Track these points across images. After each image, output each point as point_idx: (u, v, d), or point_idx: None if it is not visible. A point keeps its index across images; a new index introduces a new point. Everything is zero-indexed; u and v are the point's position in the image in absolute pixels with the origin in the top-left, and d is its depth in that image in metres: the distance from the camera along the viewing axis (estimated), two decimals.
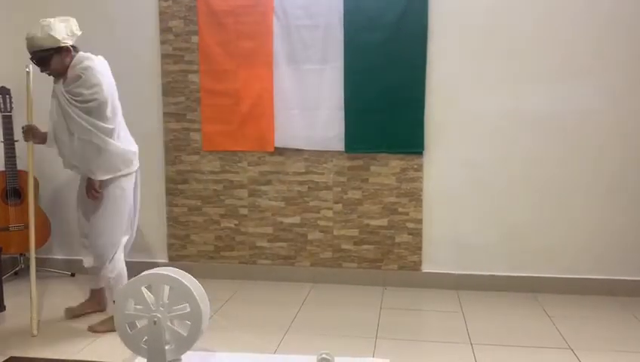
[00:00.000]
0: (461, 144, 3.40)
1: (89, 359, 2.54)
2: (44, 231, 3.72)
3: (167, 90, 3.62)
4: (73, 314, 3.00)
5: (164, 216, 3.72)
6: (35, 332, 2.80)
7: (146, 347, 2.25)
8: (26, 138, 2.86)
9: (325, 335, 2.80)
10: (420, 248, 3.50)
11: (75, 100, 2.66)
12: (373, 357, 2.55)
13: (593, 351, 2.59)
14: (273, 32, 3.43)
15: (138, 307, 2.27)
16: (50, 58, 2.63)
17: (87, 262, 2.96)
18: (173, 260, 3.70)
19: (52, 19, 2.66)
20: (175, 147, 3.66)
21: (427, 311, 3.20)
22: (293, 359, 2.48)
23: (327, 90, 3.42)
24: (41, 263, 3.81)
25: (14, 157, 3.57)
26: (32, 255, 2.91)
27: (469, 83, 3.36)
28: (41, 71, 2.70)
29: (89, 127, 2.66)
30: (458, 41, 3.34)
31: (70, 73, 2.69)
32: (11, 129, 3.57)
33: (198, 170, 3.66)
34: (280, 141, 3.52)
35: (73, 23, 2.73)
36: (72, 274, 3.77)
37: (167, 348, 2.24)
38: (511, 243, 3.42)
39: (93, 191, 2.77)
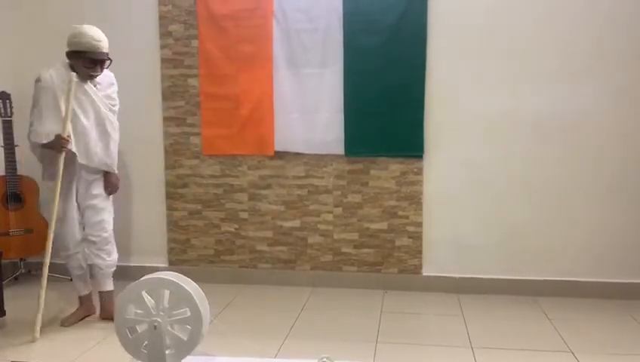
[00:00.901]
0: (461, 146, 3.42)
1: None
2: (44, 236, 3.74)
3: (167, 95, 3.65)
4: (68, 324, 3.04)
5: (164, 220, 3.75)
6: (37, 335, 2.82)
7: (146, 351, 2.26)
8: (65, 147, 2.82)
9: (325, 339, 2.82)
10: (420, 251, 3.52)
11: (112, 105, 2.99)
12: (374, 361, 2.56)
13: (593, 354, 2.60)
14: (273, 36, 3.45)
15: (138, 311, 2.28)
16: (106, 61, 2.89)
17: (85, 261, 3.05)
18: (174, 264, 3.72)
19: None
20: (175, 151, 3.69)
21: (427, 314, 3.21)
22: None
23: (327, 93, 3.44)
24: (40, 268, 3.84)
25: (14, 161, 3.60)
26: (48, 255, 2.95)
27: (469, 84, 3.38)
28: (92, 73, 2.85)
29: (117, 128, 3.03)
30: (457, 42, 3.36)
31: (100, 79, 2.94)
32: (11, 134, 3.60)
33: (198, 174, 3.68)
34: (280, 145, 3.54)
35: None
36: (72, 279, 3.78)
37: (167, 352, 2.25)
38: (511, 246, 3.43)
39: (117, 184, 3.07)
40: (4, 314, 3.08)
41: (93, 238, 2.99)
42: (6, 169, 3.61)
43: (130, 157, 3.74)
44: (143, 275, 2.37)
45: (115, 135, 3.00)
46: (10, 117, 3.61)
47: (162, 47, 3.61)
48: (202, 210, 3.70)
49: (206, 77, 3.56)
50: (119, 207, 3.76)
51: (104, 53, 2.85)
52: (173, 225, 3.74)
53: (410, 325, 3.02)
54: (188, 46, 3.58)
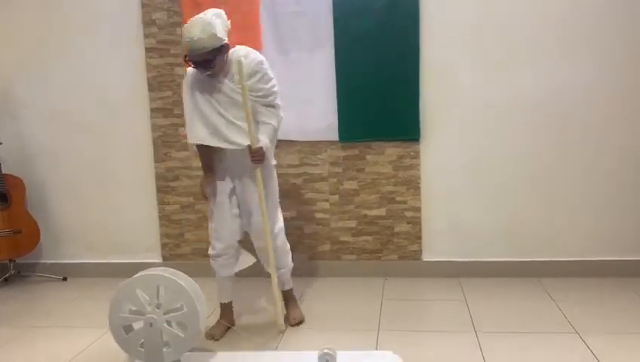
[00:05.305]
0: (459, 129, 3.41)
1: None
2: (34, 236, 3.73)
3: (154, 85, 3.61)
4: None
5: (155, 214, 3.73)
6: (283, 327, 2.79)
7: (143, 350, 2.26)
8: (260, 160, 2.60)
9: (326, 329, 2.82)
10: (419, 237, 3.52)
11: (256, 96, 2.59)
12: (377, 350, 2.56)
13: (599, 334, 2.61)
14: (261, 21, 3.41)
15: (133, 309, 2.28)
16: (214, 59, 2.50)
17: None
18: (167, 260, 3.71)
19: (208, 16, 2.46)
20: (164, 143, 3.65)
21: (429, 300, 3.22)
22: (295, 355, 2.50)
23: (319, 78, 3.41)
24: (31, 268, 3.84)
25: None
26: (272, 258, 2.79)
27: (466, 65, 3.35)
28: (202, 73, 2.54)
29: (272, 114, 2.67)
30: (453, 22, 3.33)
31: (233, 68, 2.58)
32: None
33: (189, 166, 3.65)
34: None
35: (224, 16, 2.56)
36: (64, 279, 3.77)
37: (165, 350, 2.25)
38: (512, 228, 3.44)
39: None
40: None
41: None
42: None
43: (118, 151, 3.72)
44: (136, 272, 2.37)
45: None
46: None
47: (146, 35, 3.57)
48: (195, 203, 3.68)
49: None
50: (109, 202, 3.77)
51: (199, 55, 2.45)
52: (165, 219, 3.72)
53: (412, 311, 3.03)
54: (173, 34, 3.54)
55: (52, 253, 3.86)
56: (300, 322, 2.90)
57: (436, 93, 3.38)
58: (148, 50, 3.58)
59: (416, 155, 3.45)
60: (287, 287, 2.97)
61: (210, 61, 2.49)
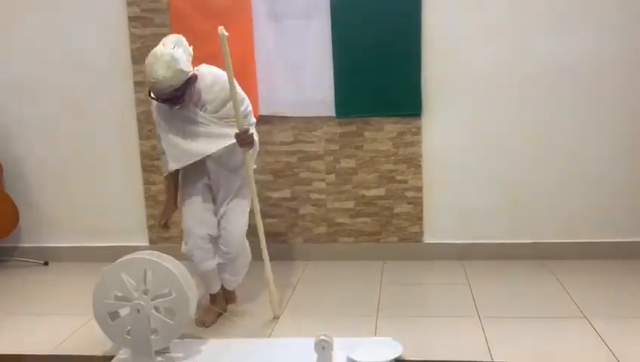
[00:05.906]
0: (462, 103, 3.36)
1: (68, 353, 2.51)
2: (12, 218, 3.67)
3: (137, 57, 3.51)
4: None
5: (141, 195, 3.67)
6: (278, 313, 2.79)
7: (129, 337, 2.24)
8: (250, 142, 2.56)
9: (322, 315, 2.80)
10: (420, 218, 3.49)
11: (233, 120, 2.54)
12: (375, 336, 2.54)
13: (608, 318, 2.60)
14: None
15: (119, 295, 2.25)
16: (184, 94, 2.42)
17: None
18: (155, 243, 3.66)
19: (168, 50, 2.36)
20: (148, 119, 3.56)
21: (431, 284, 3.21)
22: (290, 343, 2.49)
23: (314, 47, 3.34)
24: (10, 252, 3.80)
25: None
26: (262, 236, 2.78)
27: (470, 35, 3.29)
28: (171, 108, 2.46)
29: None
30: None
31: (203, 96, 2.54)
32: None
33: None
34: (265, 108, 3.45)
35: (185, 42, 2.47)
36: (45, 263, 3.72)
37: (152, 337, 2.24)
38: (517, 209, 3.42)
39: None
40: None
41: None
42: None
43: (101, 127, 3.65)
44: (122, 256, 2.33)
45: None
46: None
47: (129, 4, 3.47)
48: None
49: None
50: (91, 182, 3.71)
51: (164, 93, 2.38)
52: (151, 200, 3.66)
53: (413, 296, 3.01)
54: (157, 2, 3.44)
55: (32, 237, 3.81)
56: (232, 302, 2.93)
57: (439, 65, 3.32)
58: (131, 19, 3.48)
59: (418, 132, 3.41)
60: (230, 289, 2.89)
61: (179, 97, 2.41)
